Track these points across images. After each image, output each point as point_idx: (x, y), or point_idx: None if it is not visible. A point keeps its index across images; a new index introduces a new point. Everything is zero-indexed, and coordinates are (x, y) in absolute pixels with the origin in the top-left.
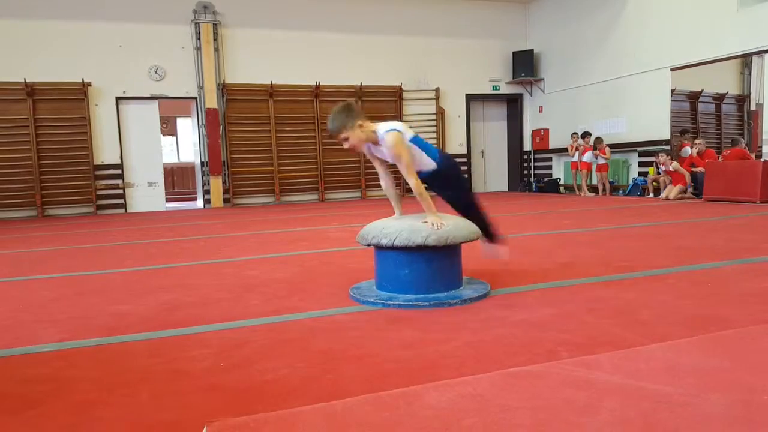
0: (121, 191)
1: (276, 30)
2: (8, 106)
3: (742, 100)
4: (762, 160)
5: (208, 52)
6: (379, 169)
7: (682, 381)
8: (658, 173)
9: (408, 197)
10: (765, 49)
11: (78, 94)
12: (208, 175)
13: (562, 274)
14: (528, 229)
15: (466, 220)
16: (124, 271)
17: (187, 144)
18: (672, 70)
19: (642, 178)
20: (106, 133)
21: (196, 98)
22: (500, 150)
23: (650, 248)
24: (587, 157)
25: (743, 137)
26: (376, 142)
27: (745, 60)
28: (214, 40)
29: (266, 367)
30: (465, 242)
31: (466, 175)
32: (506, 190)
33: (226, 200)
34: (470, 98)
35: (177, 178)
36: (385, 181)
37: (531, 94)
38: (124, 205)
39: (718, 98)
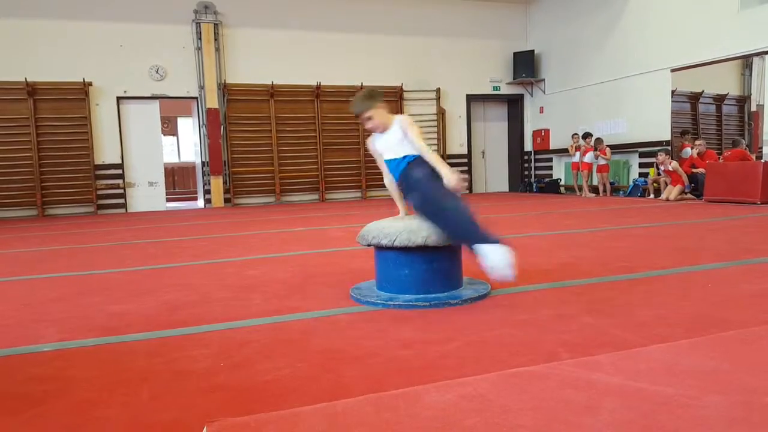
0: (121, 191)
1: (277, 30)
2: (9, 106)
3: (743, 101)
4: (762, 161)
5: (209, 51)
6: (383, 168)
7: (683, 382)
8: (659, 174)
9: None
10: (766, 50)
11: (79, 93)
12: (208, 174)
13: (562, 274)
14: (529, 230)
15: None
16: (124, 271)
17: (187, 144)
18: (672, 71)
19: (642, 179)
20: (107, 132)
21: (196, 98)
22: (501, 150)
23: (651, 249)
24: (588, 157)
25: (744, 138)
26: (387, 127)
27: (746, 61)
28: (215, 39)
29: (267, 367)
30: None
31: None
32: (507, 190)
33: (226, 200)
34: (471, 99)
35: (178, 178)
36: (388, 178)
37: (532, 95)
38: (124, 205)
39: (719, 99)
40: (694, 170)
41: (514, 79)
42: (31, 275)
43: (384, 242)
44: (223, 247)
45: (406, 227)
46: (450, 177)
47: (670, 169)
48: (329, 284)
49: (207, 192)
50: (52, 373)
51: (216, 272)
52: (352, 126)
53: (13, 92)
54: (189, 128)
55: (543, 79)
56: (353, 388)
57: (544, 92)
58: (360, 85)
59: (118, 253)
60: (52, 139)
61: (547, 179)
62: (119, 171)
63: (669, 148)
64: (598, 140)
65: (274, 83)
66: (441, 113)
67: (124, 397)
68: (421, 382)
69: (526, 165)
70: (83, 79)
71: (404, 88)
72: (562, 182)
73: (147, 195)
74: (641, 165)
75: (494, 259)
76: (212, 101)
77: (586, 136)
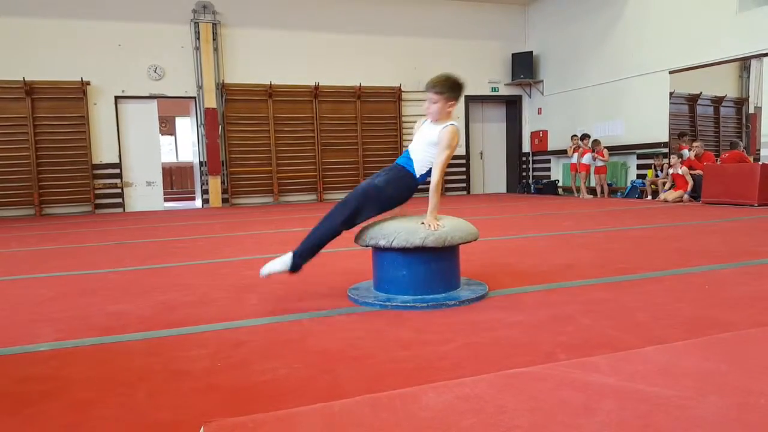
0: (119, 190)
1: (275, 30)
2: (7, 105)
3: (741, 103)
4: (760, 163)
5: (208, 51)
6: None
7: (679, 383)
8: (657, 175)
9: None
10: (764, 52)
11: (77, 93)
12: (206, 174)
13: (560, 275)
14: (526, 231)
15: (462, 220)
16: (121, 271)
17: (185, 144)
18: (671, 72)
19: (640, 180)
20: (105, 132)
21: (195, 98)
22: (499, 151)
23: (648, 250)
24: (586, 158)
25: (741, 140)
26: (438, 121)
27: (744, 63)
28: (214, 39)
29: (264, 368)
30: (463, 243)
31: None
32: (505, 191)
33: (224, 200)
34: (469, 99)
35: (175, 178)
36: None
37: (530, 96)
38: (122, 205)
39: (717, 101)
40: (692, 172)
41: (512, 80)
42: (28, 275)
43: (382, 243)
44: (220, 247)
45: (403, 228)
46: (429, 219)
47: (680, 172)
48: (327, 285)
49: (205, 192)
50: (48, 373)
51: (213, 272)
52: (350, 126)
53: (11, 91)
54: (187, 128)
55: (541, 81)
56: (350, 389)
57: (542, 93)
58: (358, 85)
59: (115, 252)
60: (49, 138)
61: (545, 180)
62: (117, 170)
63: (666, 151)
64: (596, 142)
65: (272, 83)
66: None
67: (121, 397)
68: (418, 383)
69: (524, 166)
70: (81, 78)
71: (402, 88)
72: (560, 183)
73: (145, 195)
74: (639, 167)
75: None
76: (210, 101)
77: (585, 137)
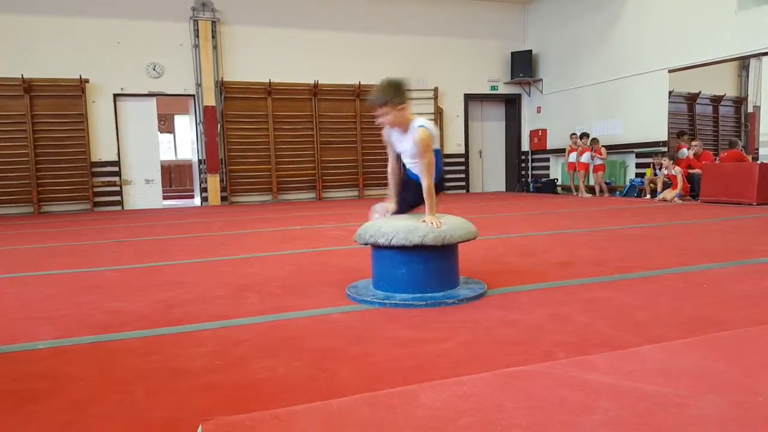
0: (118, 188)
1: (275, 28)
2: (5, 102)
3: (740, 102)
4: (759, 162)
5: (207, 49)
6: (391, 153)
7: (678, 382)
8: (655, 174)
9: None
10: (763, 51)
11: (75, 90)
12: (205, 172)
13: (558, 274)
14: (525, 230)
15: (461, 219)
16: (120, 269)
17: (184, 141)
18: (670, 71)
19: (639, 179)
20: (104, 130)
21: (194, 96)
22: (498, 150)
23: (647, 249)
24: (585, 157)
25: (740, 139)
26: (404, 129)
27: (743, 62)
28: (213, 37)
29: (262, 366)
30: (462, 242)
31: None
32: (504, 190)
33: (223, 198)
34: (468, 98)
35: (174, 176)
36: (393, 164)
37: (529, 95)
38: (121, 203)
39: (716, 100)
40: (691, 171)
41: (511, 78)
42: (27, 273)
43: (381, 241)
44: (219, 245)
45: (402, 226)
46: (430, 218)
47: (674, 173)
48: (325, 283)
49: (204, 190)
50: (47, 371)
51: (212, 270)
52: (349, 124)
53: (10, 89)
54: (186, 126)
55: (541, 79)
56: (349, 387)
57: (541, 92)
58: (358, 83)
59: (114, 250)
60: (48, 136)
61: (544, 179)
62: (116, 168)
63: (666, 149)
64: (594, 140)
65: (271, 81)
66: (438, 113)
67: (120, 395)
68: (416, 381)
69: (523, 165)
70: (80, 76)
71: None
72: (559, 182)
73: (143, 192)
74: (638, 165)
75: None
76: (209, 99)
77: (584, 136)
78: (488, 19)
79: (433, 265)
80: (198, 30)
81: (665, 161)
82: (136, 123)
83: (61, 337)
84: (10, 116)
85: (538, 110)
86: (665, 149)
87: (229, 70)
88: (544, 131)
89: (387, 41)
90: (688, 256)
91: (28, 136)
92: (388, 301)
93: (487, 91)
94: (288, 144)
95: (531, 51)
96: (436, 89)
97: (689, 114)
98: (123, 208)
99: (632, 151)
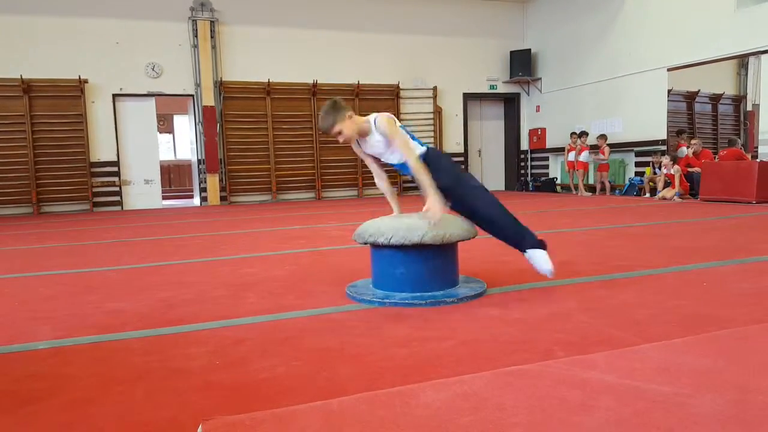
0: (117, 189)
1: (273, 27)
2: (4, 103)
3: (739, 100)
4: (758, 160)
5: (206, 49)
6: (373, 168)
7: (677, 381)
8: (655, 173)
9: (404, 196)
10: (762, 49)
11: (75, 91)
12: (204, 172)
13: (558, 273)
14: None
15: (461, 218)
16: (120, 269)
17: (183, 141)
18: (669, 70)
19: (639, 177)
20: (103, 130)
21: (193, 96)
22: (497, 149)
23: (646, 248)
24: (584, 156)
25: (739, 137)
26: (367, 133)
27: (742, 60)
28: (212, 37)
29: (262, 365)
30: (461, 241)
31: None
32: (503, 189)
33: (222, 198)
34: (467, 97)
35: (174, 176)
36: (380, 179)
37: (528, 94)
38: (120, 203)
39: (715, 98)
40: (690, 169)
41: (510, 77)
42: (27, 273)
43: (380, 240)
44: (218, 245)
45: (402, 226)
46: (432, 202)
47: (672, 172)
48: (325, 282)
49: (203, 190)
50: (47, 371)
51: (211, 270)
52: None
53: (9, 89)
54: (185, 126)
55: (540, 78)
56: (349, 386)
57: (540, 91)
58: (357, 83)
59: (113, 250)
60: (47, 136)
61: (543, 178)
62: (115, 168)
63: (665, 148)
64: (602, 136)
65: (270, 81)
66: (438, 112)
67: (119, 395)
68: (416, 381)
69: (522, 164)
70: (79, 76)
71: (401, 86)
72: (558, 181)
73: (143, 193)
74: (637, 164)
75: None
76: (208, 99)
77: (583, 134)
78: (487, 18)
79: (432, 264)
80: (197, 30)
81: (664, 160)
82: (136, 123)
83: (61, 337)
84: (9, 117)
85: (537, 109)
86: (664, 148)
87: (228, 70)
88: (543, 130)
89: (385, 40)
90: (688, 254)
91: (27, 136)
92: (388, 301)
93: (486, 90)
94: (287, 144)
95: (530, 50)
96: (435, 88)
97: (688, 112)
98: (122, 208)
99: (631, 150)
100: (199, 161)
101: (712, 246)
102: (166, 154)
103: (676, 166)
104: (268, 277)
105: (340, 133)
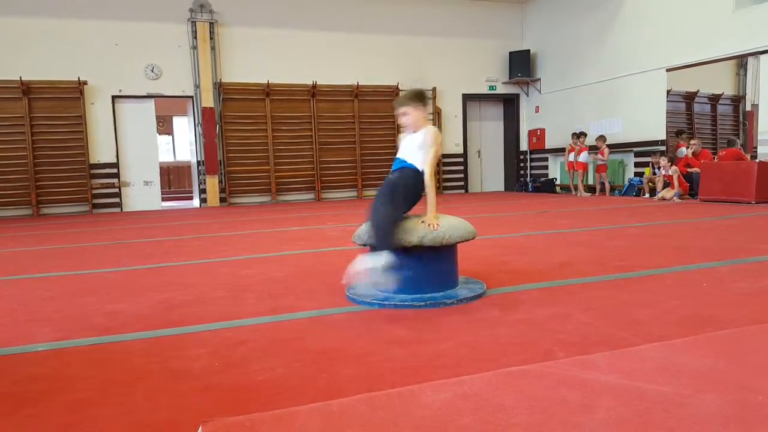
0: (116, 190)
1: (273, 29)
2: (4, 104)
3: (738, 100)
4: (757, 160)
5: (205, 50)
6: None
7: (678, 381)
8: (654, 173)
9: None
10: (761, 50)
11: (74, 92)
12: (204, 174)
13: (558, 274)
14: (524, 229)
15: (460, 219)
16: (119, 270)
17: (183, 143)
18: (668, 70)
19: (638, 178)
20: (102, 131)
21: (192, 97)
22: (496, 150)
23: (646, 248)
24: (583, 157)
25: (739, 138)
26: (417, 129)
27: (741, 61)
28: (211, 38)
29: (262, 367)
30: (461, 242)
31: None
32: (502, 190)
33: (222, 199)
34: (467, 98)
35: (173, 177)
36: None
37: (527, 94)
38: (119, 204)
39: (714, 99)
40: (689, 169)
41: (510, 78)
42: (26, 274)
43: None
44: (218, 246)
45: (401, 227)
46: (430, 217)
47: (670, 173)
48: (325, 284)
49: (202, 191)
50: (46, 373)
51: (211, 272)
52: (348, 125)
53: (8, 91)
54: (184, 127)
55: (539, 79)
56: (348, 388)
57: (539, 92)
58: (356, 84)
59: (113, 252)
60: (47, 138)
61: (542, 179)
62: (114, 170)
63: (665, 149)
64: (601, 137)
65: (269, 82)
66: (437, 112)
67: (119, 397)
68: (416, 382)
69: (521, 164)
70: (78, 78)
71: (400, 87)
72: (558, 182)
73: (142, 194)
74: (637, 164)
75: (369, 261)
76: (208, 100)
77: (582, 135)
78: (486, 18)
79: (432, 266)
80: (196, 31)
81: (662, 161)
82: (135, 125)
83: (61, 338)
84: (8, 118)
85: (537, 110)
86: (664, 148)
87: (228, 72)
88: (543, 131)
89: (385, 41)
90: (688, 254)
91: (26, 138)
92: (387, 302)
93: (485, 90)
94: (287, 145)
95: (529, 51)
96: (434, 89)
97: (687, 113)
98: (122, 209)
99: (631, 150)
100: (198, 163)
101: (712, 246)
102: (166, 156)
103: (674, 167)
104: (267, 279)
105: (405, 114)
